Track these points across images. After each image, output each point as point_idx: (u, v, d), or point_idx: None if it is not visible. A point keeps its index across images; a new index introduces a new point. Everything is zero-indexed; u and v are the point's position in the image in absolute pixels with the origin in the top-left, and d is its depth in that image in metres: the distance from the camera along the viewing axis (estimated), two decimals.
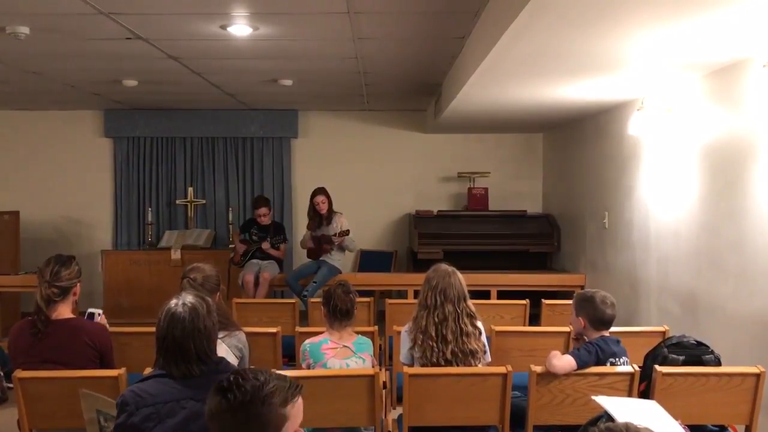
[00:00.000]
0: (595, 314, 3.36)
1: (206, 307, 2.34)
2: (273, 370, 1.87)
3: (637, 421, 1.52)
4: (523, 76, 4.66)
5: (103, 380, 3.07)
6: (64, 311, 3.28)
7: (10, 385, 4.57)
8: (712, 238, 4.45)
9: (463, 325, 3.35)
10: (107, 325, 3.51)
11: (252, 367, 1.88)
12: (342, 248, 6.92)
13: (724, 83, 4.28)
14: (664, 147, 5.13)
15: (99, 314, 3.51)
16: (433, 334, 3.34)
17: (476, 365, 3.35)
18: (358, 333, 3.68)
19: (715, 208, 4.41)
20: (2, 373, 5.25)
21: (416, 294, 3.73)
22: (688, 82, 4.69)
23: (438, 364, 3.33)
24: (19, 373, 3.09)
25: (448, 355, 3.31)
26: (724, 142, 4.30)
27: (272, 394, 1.75)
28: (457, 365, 3.31)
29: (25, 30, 4.42)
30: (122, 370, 3.11)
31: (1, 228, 7.35)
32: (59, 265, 3.28)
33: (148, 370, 3.01)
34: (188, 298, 2.34)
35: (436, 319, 3.35)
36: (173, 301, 2.33)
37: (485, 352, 3.45)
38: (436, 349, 3.33)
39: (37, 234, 8.25)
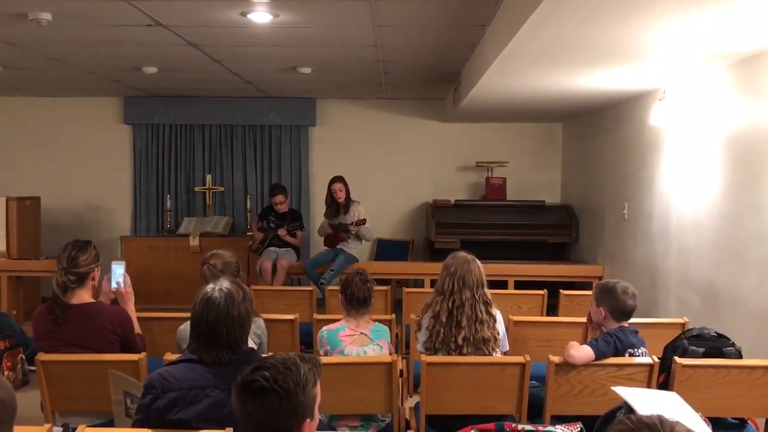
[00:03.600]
0: (616, 305, 3.34)
1: (242, 294, 2.32)
2: (290, 353, 1.87)
3: (657, 413, 1.50)
4: (544, 64, 4.62)
5: (124, 364, 3.09)
6: (84, 296, 3.28)
7: (32, 368, 4.62)
8: (734, 230, 4.40)
9: (478, 312, 3.32)
10: (131, 285, 3.47)
11: (271, 354, 1.85)
12: (359, 237, 6.93)
13: (749, 73, 4.21)
14: (686, 138, 5.07)
15: (119, 274, 3.44)
16: (444, 320, 3.32)
17: (488, 353, 3.32)
18: (375, 321, 3.69)
19: (738, 200, 4.36)
20: (24, 356, 5.32)
21: (433, 283, 3.71)
22: (711, 71, 4.62)
23: (442, 350, 3.31)
24: (42, 356, 3.12)
25: (459, 341, 3.29)
26: (748, 133, 4.24)
27: (308, 380, 1.78)
28: (467, 352, 3.29)
29: (47, 16, 4.44)
30: (143, 355, 3.14)
31: (22, 213, 7.42)
32: (76, 251, 3.28)
33: (168, 355, 3.04)
34: (225, 283, 2.33)
35: (451, 305, 3.32)
36: (210, 286, 2.32)
37: (499, 341, 3.41)
38: (442, 334, 3.31)
39: (58, 220, 8.34)
